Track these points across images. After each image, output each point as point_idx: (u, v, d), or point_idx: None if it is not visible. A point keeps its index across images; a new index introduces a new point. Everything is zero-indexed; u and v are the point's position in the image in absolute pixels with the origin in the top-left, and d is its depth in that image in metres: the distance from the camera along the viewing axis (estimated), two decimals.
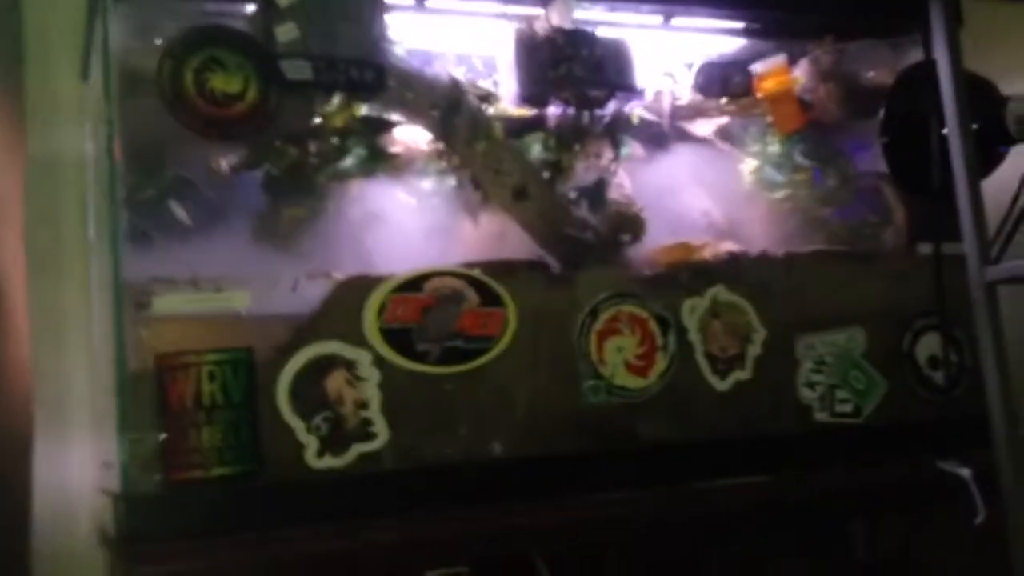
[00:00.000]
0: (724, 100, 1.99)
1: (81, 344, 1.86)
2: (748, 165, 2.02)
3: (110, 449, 1.51)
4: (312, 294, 1.49)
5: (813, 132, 1.99)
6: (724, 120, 2.03)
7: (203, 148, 1.61)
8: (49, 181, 1.93)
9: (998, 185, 1.74)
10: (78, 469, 1.80)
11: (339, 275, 1.51)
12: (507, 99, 1.73)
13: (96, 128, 1.78)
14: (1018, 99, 1.63)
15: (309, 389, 1.42)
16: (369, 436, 1.44)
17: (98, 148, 1.76)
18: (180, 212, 1.58)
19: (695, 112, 2.01)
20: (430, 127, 1.68)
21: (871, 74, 1.99)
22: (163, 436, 1.34)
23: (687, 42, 2.00)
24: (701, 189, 1.96)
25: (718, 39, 2.02)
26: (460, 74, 1.71)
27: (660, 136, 1.95)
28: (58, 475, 1.80)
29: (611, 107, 1.78)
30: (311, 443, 1.41)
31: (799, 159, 2.00)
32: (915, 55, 1.94)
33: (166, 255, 1.48)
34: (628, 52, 1.78)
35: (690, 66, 2.00)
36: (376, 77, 1.55)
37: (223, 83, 1.47)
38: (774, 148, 2.00)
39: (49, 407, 1.81)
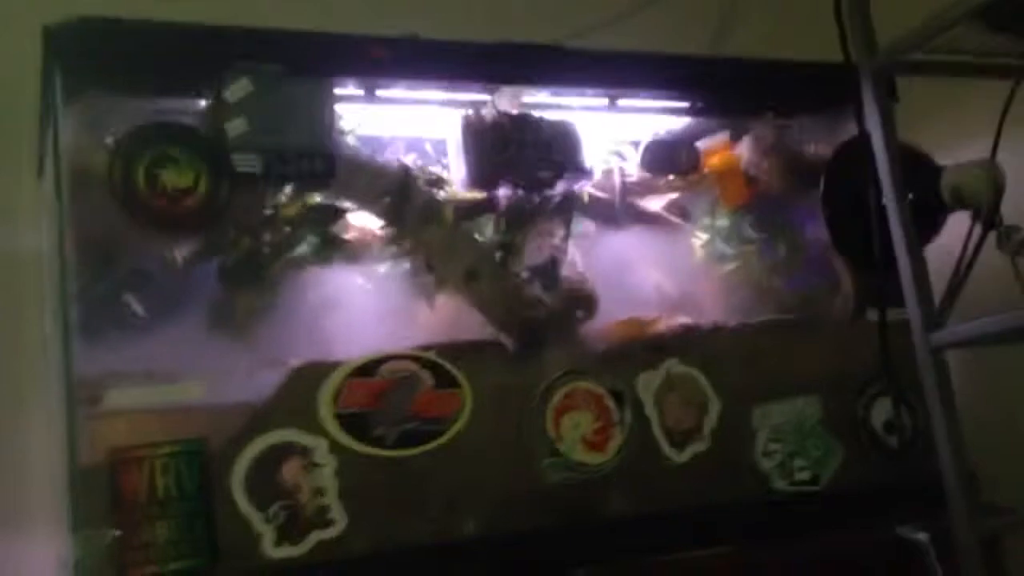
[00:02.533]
0: (672, 177, 2.04)
1: (40, 440, 1.85)
2: (699, 239, 2.07)
3: (64, 547, 1.50)
4: (267, 382, 1.49)
5: (760, 204, 2.04)
6: (673, 195, 2.08)
7: (157, 240, 1.63)
8: (8, 276, 1.94)
9: (938, 253, 1.79)
10: (37, 567, 1.77)
11: (294, 362, 1.52)
12: (457, 183, 1.76)
13: (49, 225, 1.80)
14: (952, 169, 1.68)
15: (265, 478, 1.42)
16: (327, 523, 1.44)
17: (51, 244, 1.77)
18: (135, 305, 1.58)
19: (645, 189, 2.05)
20: (381, 213, 1.71)
21: (811, 148, 2.05)
22: (116, 532, 1.32)
23: (633, 122, 2.05)
24: (653, 264, 2.00)
25: (663, 118, 2.08)
26: (410, 160, 1.75)
27: (611, 213, 1.99)
28: (15, 574, 1.76)
29: (560, 187, 1.82)
30: (268, 533, 1.40)
31: (748, 231, 2.05)
32: (852, 128, 2.01)
33: (120, 348, 1.48)
34: (575, 133, 1.83)
35: (637, 144, 2.05)
36: (326, 167, 1.58)
37: (174, 178, 1.49)
38: (723, 222, 2.05)
39: (7, 505, 1.79)
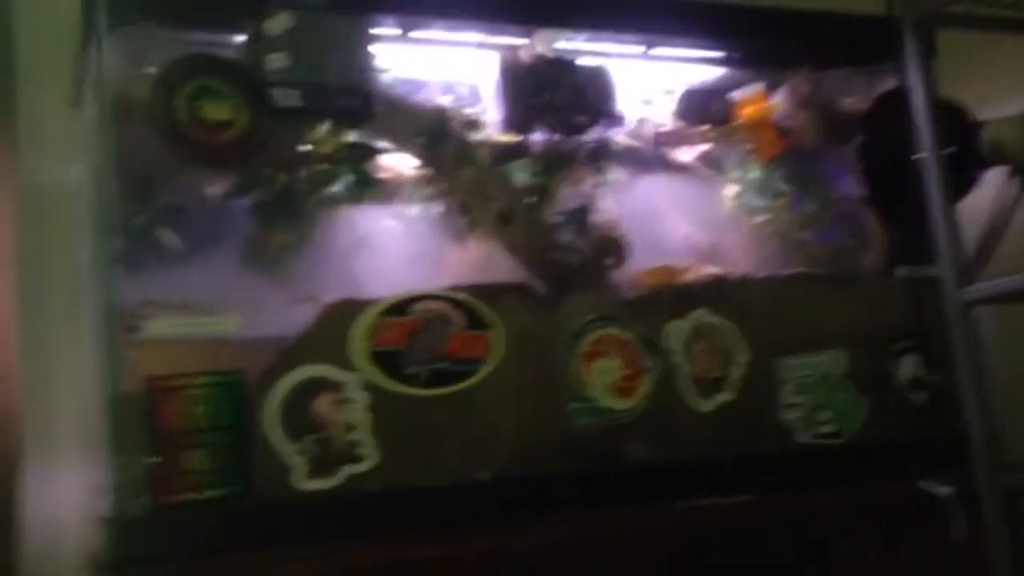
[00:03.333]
0: (705, 127, 2.03)
1: (71, 369, 1.87)
2: (729, 190, 2.06)
3: (100, 473, 1.53)
4: (301, 317, 1.51)
5: (792, 158, 2.03)
6: (706, 146, 2.07)
7: (193, 175, 1.63)
8: (40, 208, 1.94)
9: (973, 208, 1.78)
10: (68, 494, 1.81)
11: (327, 299, 1.53)
12: (492, 126, 1.76)
13: (88, 156, 1.80)
14: (991, 123, 1.66)
15: (298, 411, 1.44)
16: (358, 458, 1.46)
17: (90, 175, 1.78)
18: (171, 238, 1.59)
19: (677, 139, 2.04)
20: (416, 154, 1.71)
21: (848, 101, 2.03)
22: (154, 459, 1.35)
23: (668, 71, 2.04)
24: (683, 214, 1.99)
25: (698, 68, 2.06)
26: (446, 102, 1.74)
27: (643, 162, 1.98)
28: (48, 500, 1.80)
29: (594, 133, 1.81)
30: (300, 464, 1.43)
31: (779, 184, 2.04)
32: (891, 82, 2.00)
33: (157, 280, 1.50)
34: (609, 79, 1.82)
35: (671, 94, 2.03)
36: (364, 105, 1.58)
37: (214, 111, 1.50)
38: (754, 174, 2.03)
39: (39, 432, 1.82)
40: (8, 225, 1.87)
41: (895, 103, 1.73)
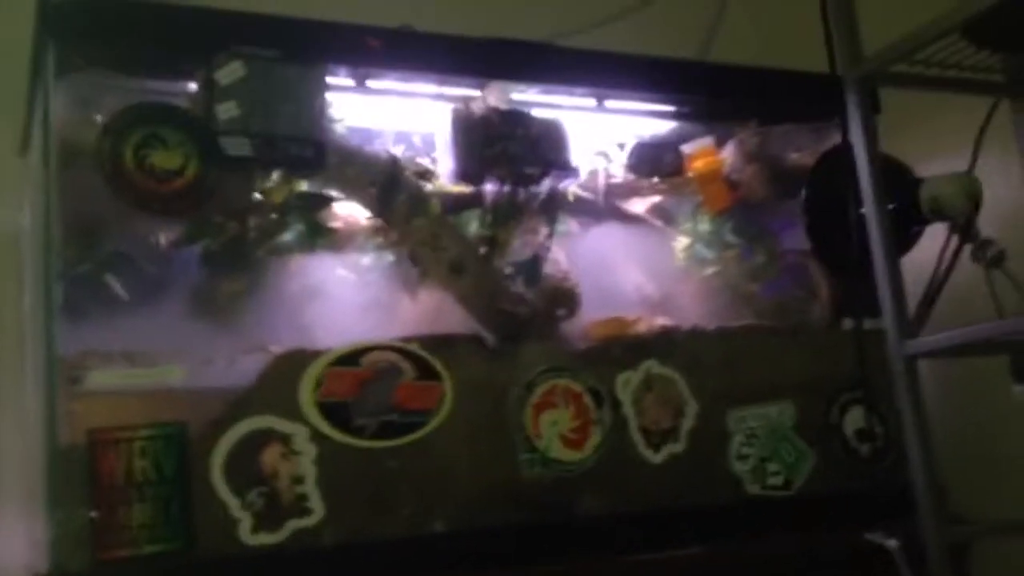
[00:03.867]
0: (656, 179, 2.06)
1: (13, 420, 1.83)
2: (680, 242, 2.08)
3: (40, 528, 1.49)
4: (248, 368, 1.49)
5: (741, 211, 2.06)
6: (656, 198, 2.09)
7: (142, 223, 1.62)
8: None
9: (917, 262, 1.81)
10: (7, 550, 1.76)
11: (276, 349, 1.52)
12: (445, 176, 1.77)
13: (34, 202, 1.78)
14: (931, 180, 1.70)
15: (244, 464, 1.42)
16: (305, 511, 1.44)
17: (35, 221, 1.76)
18: (117, 286, 1.57)
19: (629, 190, 2.07)
20: (368, 203, 1.71)
21: (794, 156, 2.07)
22: (93, 513, 1.31)
23: (620, 123, 2.07)
24: (635, 265, 2.01)
25: (649, 121, 2.09)
26: (399, 152, 1.75)
27: (594, 213, 2.00)
28: None
29: (546, 185, 1.83)
30: (245, 519, 1.40)
31: (728, 237, 2.07)
32: (835, 138, 2.04)
33: (101, 329, 1.48)
34: (562, 131, 1.84)
35: (623, 146, 2.06)
36: (316, 154, 1.58)
37: (163, 159, 1.49)
38: (704, 226, 2.06)
39: None
40: None
41: (839, 159, 1.77)
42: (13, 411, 1.83)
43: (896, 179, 1.77)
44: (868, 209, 1.66)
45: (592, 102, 1.96)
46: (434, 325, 1.72)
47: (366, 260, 1.75)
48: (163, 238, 1.63)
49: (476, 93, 1.81)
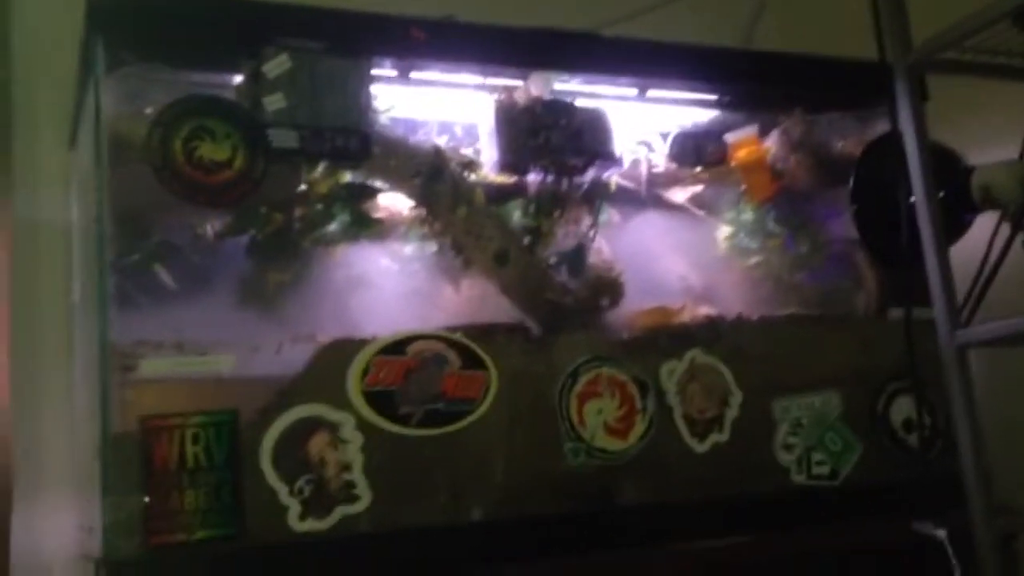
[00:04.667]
0: (699, 169, 2.04)
1: (61, 408, 1.86)
2: (722, 232, 2.07)
3: (91, 513, 1.51)
4: (296, 357, 1.50)
5: (785, 200, 2.05)
6: (699, 188, 2.08)
7: (189, 214, 1.64)
8: (33, 248, 1.95)
9: (966, 252, 1.79)
10: (56, 535, 1.79)
11: (323, 338, 1.53)
12: (488, 167, 1.77)
13: (84, 194, 1.81)
14: (982, 169, 1.68)
15: (292, 452, 1.43)
16: (352, 499, 1.45)
17: (86, 214, 1.78)
18: (165, 276, 1.60)
19: (671, 180, 2.06)
20: (412, 194, 1.71)
21: (839, 144, 2.05)
22: (146, 499, 1.33)
23: (662, 113, 2.06)
24: (677, 254, 2.01)
25: (692, 110, 2.08)
26: (442, 142, 1.75)
27: (637, 203, 2.00)
28: (36, 541, 1.78)
29: (589, 175, 1.82)
30: (293, 506, 1.42)
31: (772, 226, 2.05)
32: (881, 126, 2.02)
33: (152, 319, 1.50)
34: (605, 121, 1.83)
35: (665, 136, 2.05)
36: (361, 145, 1.59)
37: (211, 151, 1.50)
38: (747, 215, 2.05)
39: (28, 470, 1.81)
40: (2, 263, 1.87)
41: (888, 147, 1.75)
42: (62, 400, 1.86)
43: (946, 167, 1.74)
44: (918, 198, 1.64)
45: (634, 91, 1.95)
46: (477, 315, 1.73)
47: (409, 250, 1.76)
48: (210, 229, 1.65)
49: (519, 83, 1.81)
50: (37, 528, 1.79)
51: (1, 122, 1.95)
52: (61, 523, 1.79)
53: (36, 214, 1.96)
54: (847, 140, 2.05)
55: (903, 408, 1.87)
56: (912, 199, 1.66)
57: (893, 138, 1.71)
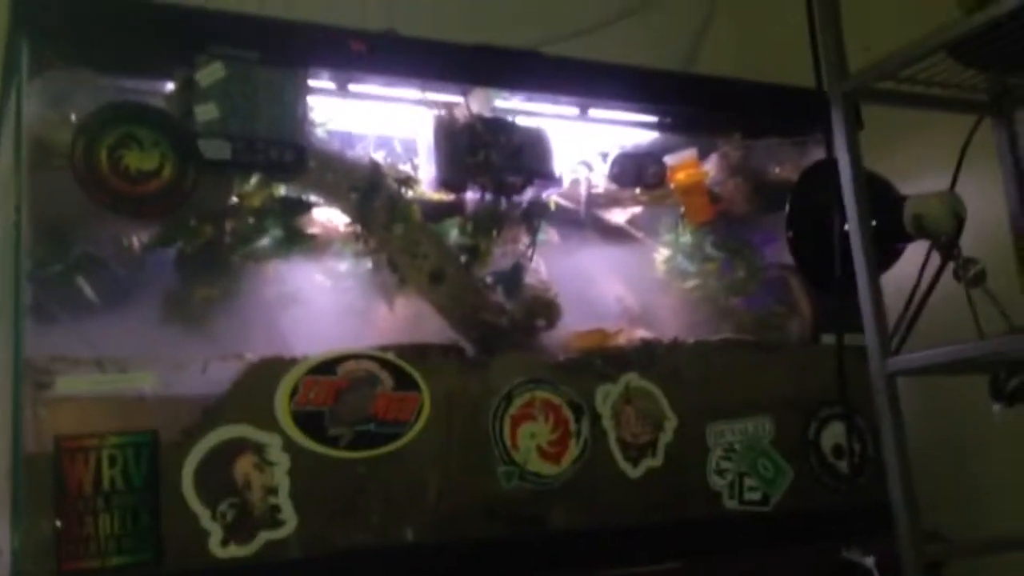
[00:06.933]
0: (638, 190, 2.04)
1: None
2: (660, 254, 2.07)
3: (2, 536, 1.44)
4: (222, 376, 1.46)
5: (722, 224, 2.05)
6: (637, 209, 2.08)
7: (113, 225, 1.58)
8: None
9: (896, 280, 1.81)
10: None
11: (251, 356, 1.48)
12: (426, 183, 1.74)
13: (3, 200, 1.73)
14: (915, 198, 1.70)
15: (215, 474, 1.39)
16: (277, 523, 1.40)
17: (3, 222, 1.71)
18: (87, 289, 1.54)
19: (610, 201, 2.05)
20: (348, 209, 1.68)
21: (776, 170, 2.07)
22: (58, 523, 1.28)
23: (602, 133, 2.05)
24: (615, 276, 2.00)
25: (632, 131, 2.08)
26: (380, 157, 1.72)
27: (575, 223, 1.98)
28: None
29: (528, 194, 1.81)
30: (215, 531, 1.37)
31: (709, 249, 2.06)
32: (817, 153, 2.04)
33: (71, 333, 1.44)
34: (546, 140, 1.82)
35: (605, 156, 2.05)
36: (296, 158, 1.55)
37: (138, 160, 1.45)
38: (686, 238, 2.05)
39: None
40: None
41: (823, 174, 1.76)
42: None
43: (879, 196, 1.76)
44: (852, 225, 1.65)
45: (575, 111, 1.94)
46: (411, 334, 1.69)
47: (344, 267, 1.72)
48: (135, 241, 1.60)
49: (459, 100, 1.79)
50: None
51: None
52: None
53: None
54: (784, 166, 2.06)
55: (834, 434, 1.88)
56: (846, 226, 1.67)
57: (828, 165, 1.73)
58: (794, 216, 1.88)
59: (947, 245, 1.67)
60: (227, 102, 1.51)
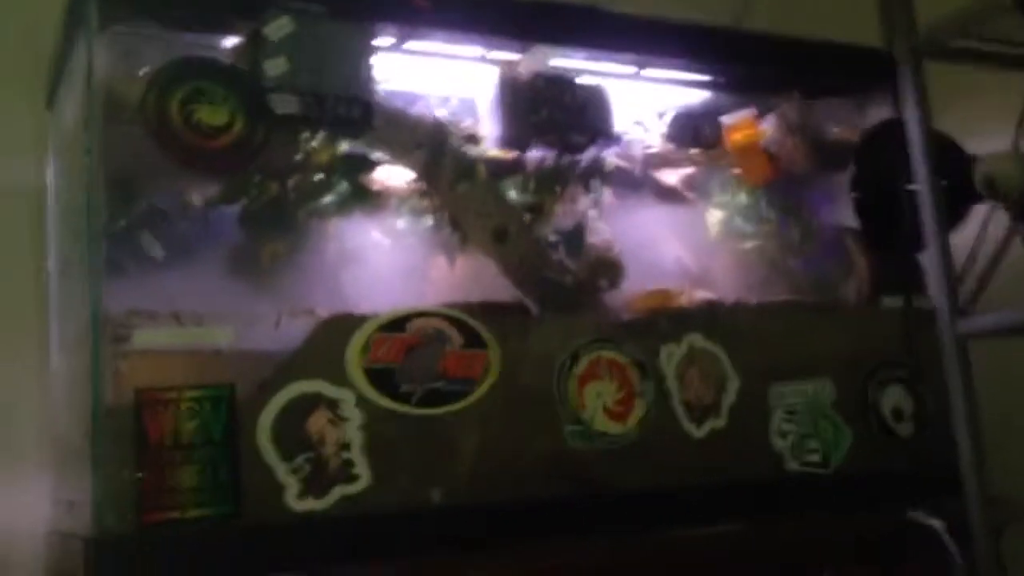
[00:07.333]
0: (694, 150, 2.02)
1: (33, 380, 1.79)
2: (716, 214, 2.05)
3: (74, 488, 1.45)
4: (293, 332, 1.45)
5: (780, 184, 2.03)
6: (690, 170, 2.06)
7: (176, 180, 1.58)
8: (4, 211, 1.86)
9: (962, 243, 1.80)
10: (26, 511, 1.72)
11: (322, 312, 1.48)
12: (488, 141, 1.73)
13: (64, 157, 1.73)
14: (986, 158, 1.68)
15: (291, 428, 1.38)
16: (351, 478, 1.40)
17: (65, 177, 1.71)
18: (153, 244, 1.53)
19: (665, 161, 2.03)
20: (413, 166, 1.67)
21: (835, 130, 2.04)
22: (139, 475, 1.28)
23: (657, 92, 2.03)
24: (672, 237, 1.98)
25: (689, 91, 2.05)
26: (443, 115, 1.70)
27: (631, 183, 1.97)
28: (6, 517, 1.71)
29: (590, 152, 1.79)
30: (292, 484, 1.37)
31: (766, 210, 2.04)
32: (877, 113, 2.01)
33: (142, 288, 1.43)
34: (607, 98, 1.80)
35: (661, 116, 2.03)
36: (363, 114, 1.54)
37: (209, 115, 1.44)
38: (742, 199, 2.03)
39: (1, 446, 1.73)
40: None
41: (889, 134, 1.74)
42: (34, 371, 1.79)
43: (948, 156, 1.74)
44: (921, 186, 1.63)
45: (631, 69, 1.92)
46: (471, 292, 1.69)
47: (405, 225, 1.71)
48: (200, 196, 1.59)
49: (517, 57, 1.77)
50: (9, 504, 1.71)
51: None
52: (32, 498, 1.72)
53: (7, 177, 1.88)
54: (843, 126, 2.04)
55: (894, 397, 1.86)
56: (914, 186, 1.65)
57: (894, 125, 1.71)
58: (859, 176, 1.86)
59: (1017, 206, 1.65)
60: (296, 56, 1.49)
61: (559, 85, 1.74)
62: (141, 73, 1.46)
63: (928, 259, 1.65)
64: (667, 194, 2.04)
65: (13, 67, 1.90)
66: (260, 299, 1.52)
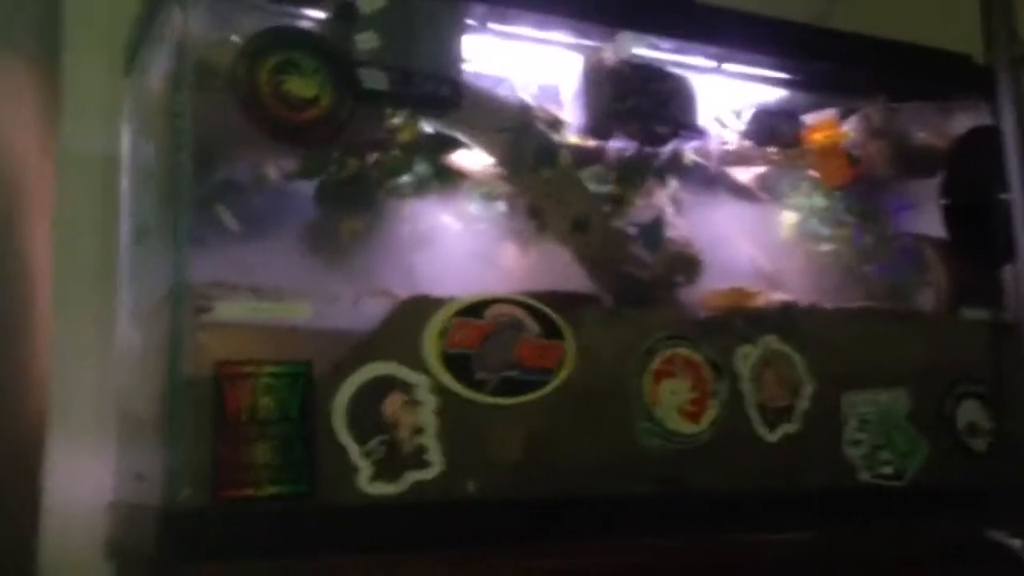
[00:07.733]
0: (772, 149, 1.98)
1: (100, 348, 1.78)
2: (790, 216, 2.01)
3: (145, 460, 1.44)
4: (372, 311, 1.43)
5: (859, 188, 1.99)
6: (762, 169, 2.02)
7: (257, 152, 1.56)
8: (79, 177, 1.85)
9: None
10: (91, 481, 1.71)
11: (401, 293, 1.45)
12: (571, 129, 1.69)
13: (143, 124, 1.71)
14: None
15: (366, 410, 1.36)
16: (424, 464, 1.38)
17: (143, 145, 1.69)
18: (227, 217, 1.51)
19: (741, 158, 1.99)
20: (495, 150, 1.63)
21: (920, 135, 1.99)
22: (218, 448, 1.26)
23: (737, 88, 1.99)
24: (744, 235, 1.94)
25: (765, 88, 2.01)
26: (528, 99, 1.67)
27: (706, 180, 1.93)
28: (70, 486, 1.70)
29: (672, 145, 1.75)
30: (365, 467, 1.34)
31: (843, 213, 1.99)
32: (963, 120, 1.96)
33: (222, 260, 1.41)
34: (692, 91, 1.76)
35: (738, 112, 1.98)
36: (451, 93, 1.51)
37: (299, 87, 1.41)
38: (820, 201, 1.99)
39: (64, 409, 1.72)
40: (48, 192, 1.78)
41: (982, 141, 1.69)
42: (102, 340, 1.78)
43: None
44: (1015, 195, 1.59)
45: (711, 64, 1.88)
46: (544, 281, 1.65)
47: (481, 209, 1.68)
48: (277, 169, 1.57)
49: (600, 45, 1.73)
50: (71, 473, 1.70)
51: (51, 46, 1.84)
52: (97, 469, 1.71)
53: (83, 143, 1.87)
54: (928, 131, 1.99)
55: (969, 411, 1.82)
56: (1007, 196, 1.61)
57: (987, 132, 1.66)
58: (951, 183, 1.81)
59: None
60: (387, 31, 1.46)
61: (646, 74, 1.70)
62: (232, 40, 1.44)
63: (1014, 271, 1.60)
64: (739, 192, 2.00)
65: (89, 33, 1.89)
66: (333, 277, 1.50)
